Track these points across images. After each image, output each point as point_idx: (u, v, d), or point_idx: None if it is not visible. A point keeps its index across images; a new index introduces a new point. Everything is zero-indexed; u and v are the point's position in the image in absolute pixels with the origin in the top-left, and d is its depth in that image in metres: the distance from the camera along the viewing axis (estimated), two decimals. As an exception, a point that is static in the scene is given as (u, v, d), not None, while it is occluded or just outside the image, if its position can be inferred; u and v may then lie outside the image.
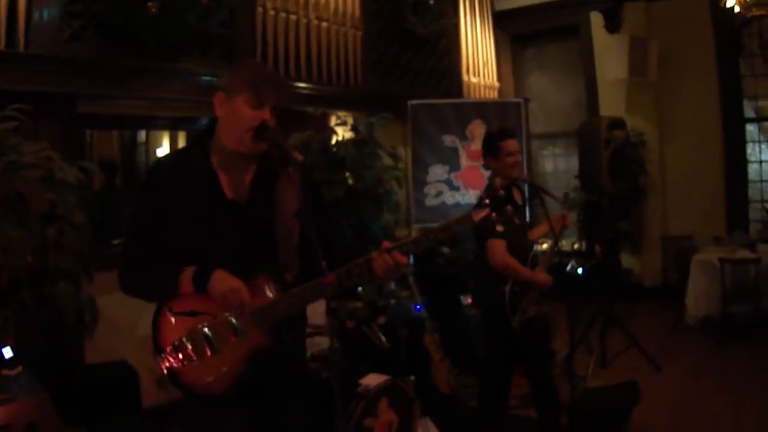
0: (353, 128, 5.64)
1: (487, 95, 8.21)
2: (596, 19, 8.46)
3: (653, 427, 4.39)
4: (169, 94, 4.83)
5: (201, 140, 2.23)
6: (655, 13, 8.18)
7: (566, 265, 6.25)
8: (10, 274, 3.04)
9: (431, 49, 7.50)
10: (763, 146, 8.02)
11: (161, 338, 2.11)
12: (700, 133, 8.03)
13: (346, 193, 5.21)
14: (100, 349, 4.08)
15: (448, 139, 6.96)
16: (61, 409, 2.93)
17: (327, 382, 3.66)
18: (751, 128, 8.04)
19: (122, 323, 4.27)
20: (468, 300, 5.56)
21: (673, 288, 7.25)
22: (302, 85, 5.72)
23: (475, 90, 8.02)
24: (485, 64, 8.28)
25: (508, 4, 8.89)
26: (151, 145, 6.58)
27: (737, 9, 6.03)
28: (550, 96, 9.31)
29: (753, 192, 8.01)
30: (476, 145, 6.99)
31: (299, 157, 2.07)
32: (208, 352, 2.06)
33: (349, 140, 5.52)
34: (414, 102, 6.84)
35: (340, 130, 5.73)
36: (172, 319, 2.10)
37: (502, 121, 7.02)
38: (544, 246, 4.26)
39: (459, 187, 6.99)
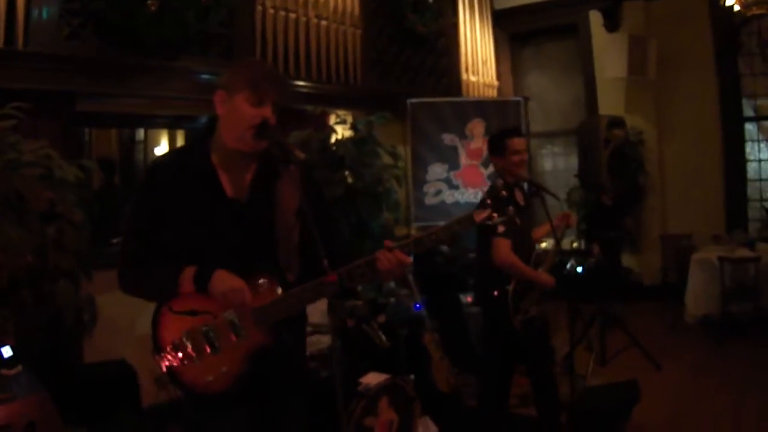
0: (353, 127, 5.64)
1: (486, 94, 8.21)
2: (595, 18, 8.45)
3: (653, 425, 4.38)
4: (169, 92, 4.83)
5: (201, 139, 2.22)
6: (655, 12, 8.18)
7: (566, 264, 6.24)
8: (10, 273, 3.03)
9: (430, 48, 7.50)
10: (762, 145, 8.03)
11: (161, 337, 2.10)
12: (699, 132, 8.03)
13: (346, 191, 5.21)
14: (99, 349, 4.08)
15: (448, 138, 6.96)
16: (60, 409, 2.92)
17: (327, 381, 3.67)
18: (750, 127, 8.05)
19: (121, 322, 4.26)
20: (468, 299, 5.56)
21: (673, 287, 7.26)
22: (302, 83, 5.71)
23: (474, 89, 8.02)
24: (484, 63, 8.28)
25: (507, 3, 8.88)
26: (150, 143, 6.57)
27: (737, 8, 6.03)
28: (549, 95, 9.31)
29: (752, 191, 8.02)
30: (476, 144, 7.00)
31: (301, 155, 2.06)
32: (208, 351, 2.05)
33: (349, 139, 5.51)
34: (413, 100, 6.84)
35: (339, 128, 5.73)
36: (172, 319, 2.09)
37: (501, 119, 7.02)
38: (543, 245, 4.25)
39: (458, 185, 6.99)
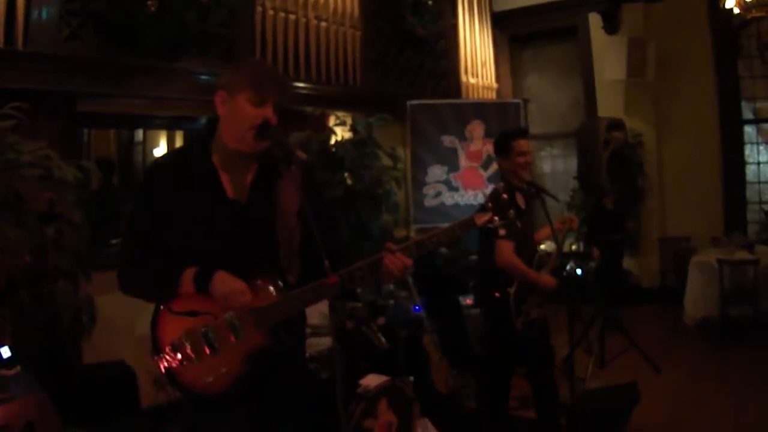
0: (352, 128, 5.63)
1: (485, 96, 8.21)
2: (595, 20, 8.45)
3: (652, 428, 4.39)
4: (168, 93, 4.82)
5: (201, 140, 2.21)
6: (654, 15, 8.18)
7: (565, 266, 6.24)
8: (8, 273, 3.03)
9: (430, 50, 7.50)
10: (761, 147, 8.04)
11: (160, 338, 2.09)
12: (699, 135, 8.03)
13: (345, 193, 5.21)
14: (98, 349, 4.06)
15: (447, 140, 6.96)
16: (59, 409, 2.91)
17: (326, 382, 3.67)
18: (749, 130, 8.06)
19: (120, 323, 4.25)
20: (467, 300, 5.56)
21: (672, 289, 7.26)
22: (301, 84, 5.71)
23: (473, 91, 8.02)
24: (483, 65, 8.28)
25: (506, 5, 8.88)
26: (149, 144, 6.56)
27: (737, 10, 6.04)
28: (548, 97, 9.31)
29: (751, 193, 8.02)
30: (475, 146, 7.00)
31: (302, 155, 2.06)
32: (208, 352, 2.04)
33: (348, 140, 5.52)
34: (413, 102, 6.84)
35: (339, 130, 5.73)
36: (172, 319, 2.08)
37: (501, 122, 7.03)
38: (542, 246, 4.26)
39: (458, 187, 6.99)
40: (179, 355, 2.05)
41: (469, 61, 8.01)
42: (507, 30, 9.16)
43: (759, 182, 8.01)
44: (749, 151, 8.06)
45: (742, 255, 6.44)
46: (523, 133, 3.89)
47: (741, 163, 8.02)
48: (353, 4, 6.29)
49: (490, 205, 2.07)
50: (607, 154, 5.83)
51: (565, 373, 4.61)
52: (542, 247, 4.30)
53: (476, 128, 7.02)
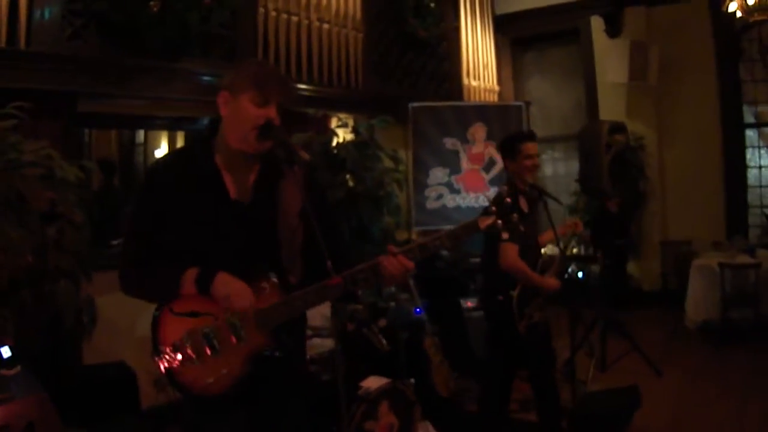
0: (354, 130, 5.63)
1: (487, 99, 8.21)
2: (597, 24, 8.46)
3: (654, 431, 4.38)
4: (170, 93, 4.82)
5: (204, 140, 2.20)
6: (656, 18, 8.18)
7: (567, 269, 6.23)
8: (10, 273, 3.02)
9: (432, 52, 7.50)
10: (763, 151, 8.03)
11: (161, 339, 2.08)
12: (700, 138, 8.03)
13: (347, 195, 5.20)
14: (98, 350, 4.06)
15: (449, 142, 6.96)
16: (59, 410, 2.91)
17: (327, 384, 3.66)
18: (750, 133, 8.05)
19: (121, 324, 4.25)
20: (468, 303, 5.55)
21: (673, 293, 7.25)
22: (303, 86, 5.71)
23: (475, 93, 8.02)
24: (485, 68, 8.28)
25: (508, 8, 8.89)
26: (150, 145, 6.57)
27: (739, 14, 6.04)
28: (550, 100, 9.31)
29: (752, 197, 8.02)
30: (477, 149, 7.00)
31: (305, 156, 2.05)
32: (208, 353, 2.04)
33: (350, 142, 5.51)
34: (415, 104, 6.84)
35: (340, 131, 5.72)
36: (173, 320, 2.07)
37: (503, 124, 7.03)
38: (543, 250, 4.25)
39: (459, 190, 6.98)
40: (180, 356, 2.04)
41: (471, 63, 8.02)
42: (509, 33, 9.17)
43: (760, 186, 8.01)
44: (751, 155, 8.06)
45: (744, 259, 6.43)
46: (531, 136, 3.88)
47: (742, 166, 8.01)
48: (355, 6, 6.29)
49: (493, 208, 2.07)
50: (608, 157, 5.82)
51: (567, 376, 4.60)
52: (543, 250, 4.29)
53: (478, 131, 7.02)
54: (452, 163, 6.98)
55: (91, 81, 4.29)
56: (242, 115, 2.05)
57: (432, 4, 7.20)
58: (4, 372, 2.95)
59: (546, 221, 3.94)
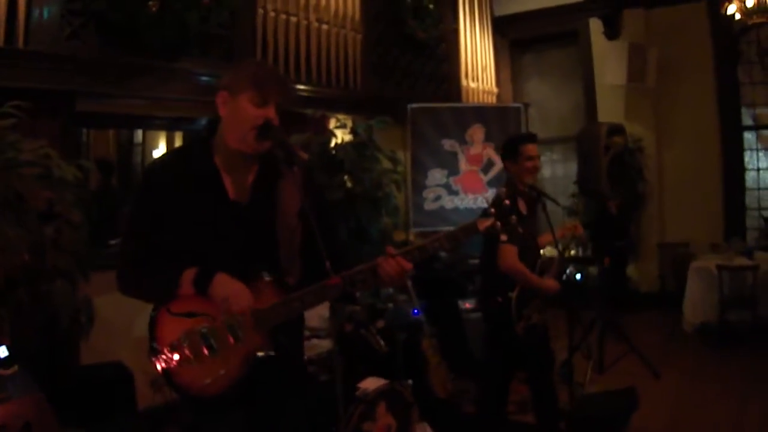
0: (352, 131, 5.62)
1: (485, 100, 8.21)
2: (595, 26, 8.46)
3: (651, 433, 4.38)
4: (169, 93, 4.82)
5: (202, 140, 2.20)
6: (655, 20, 8.19)
7: (565, 271, 6.23)
8: (7, 272, 3.02)
9: (430, 54, 7.50)
10: (761, 154, 8.04)
11: (158, 339, 2.07)
12: (698, 140, 8.04)
13: (345, 195, 5.20)
14: (95, 350, 4.05)
15: (448, 144, 6.96)
16: (56, 410, 2.90)
17: (325, 385, 3.65)
18: (748, 136, 8.06)
19: (118, 324, 4.24)
20: (466, 304, 5.55)
21: (671, 295, 7.25)
22: (302, 87, 5.71)
23: (473, 95, 8.02)
24: (484, 69, 8.28)
25: (507, 10, 8.89)
26: (148, 145, 6.56)
27: (738, 16, 6.05)
28: (548, 102, 9.31)
29: (750, 200, 8.03)
30: (475, 150, 6.99)
31: (304, 156, 2.05)
32: (206, 354, 2.03)
33: (349, 143, 5.51)
34: (414, 105, 6.84)
35: (339, 132, 5.71)
36: (170, 320, 2.07)
37: (501, 126, 7.03)
38: (541, 251, 4.25)
39: (458, 191, 6.98)
40: (177, 356, 2.04)
41: (470, 65, 8.01)
42: (508, 34, 9.17)
43: (758, 188, 8.02)
44: (749, 158, 8.07)
45: (741, 261, 6.44)
46: (532, 138, 3.88)
47: (740, 169, 8.02)
48: (354, 7, 6.29)
49: (492, 210, 2.07)
50: (607, 159, 5.83)
51: (564, 377, 4.60)
52: (543, 252, 4.29)
53: (477, 132, 7.02)
54: (450, 165, 6.98)
55: (90, 80, 4.28)
56: (241, 115, 2.05)
57: (431, 6, 7.19)
58: (1, 372, 2.95)
59: (545, 223, 3.93)
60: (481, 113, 7.24)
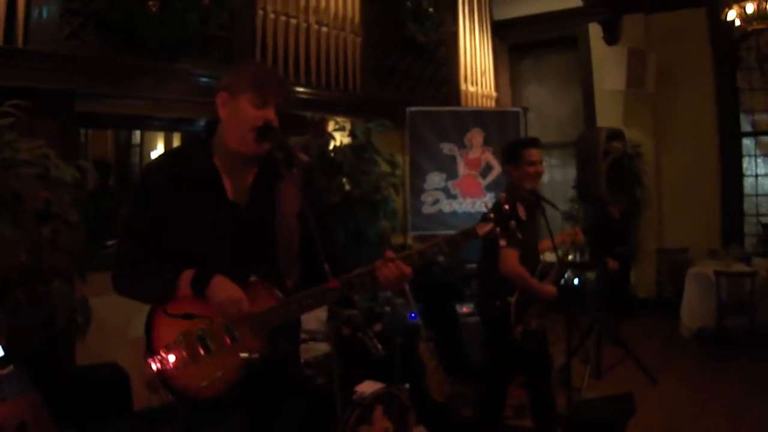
0: (351, 134, 5.62)
1: (484, 104, 8.21)
2: (595, 31, 8.48)
3: (649, 439, 4.38)
4: (168, 94, 4.81)
5: (201, 141, 2.18)
6: (654, 26, 8.21)
7: (563, 276, 6.22)
8: (3, 272, 3.01)
9: (430, 57, 7.50)
10: (759, 160, 8.06)
11: (154, 340, 2.06)
12: (697, 146, 8.06)
13: (343, 198, 5.18)
14: (91, 351, 4.04)
15: (447, 147, 6.94)
16: (51, 411, 2.89)
17: (322, 388, 3.64)
18: (747, 142, 8.08)
19: (114, 325, 4.22)
20: (464, 308, 5.54)
21: (668, 300, 7.26)
22: (301, 89, 5.70)
23: (472, 99, 8.02)
24: (483, 74, 8.28)
25: (507, 14, 8.90)
26: (146, 146, 6.55)
27: (738, 22, 6.05)
28: (547, 106, 9.32)
29: (748, 206, 8.05)
30: (474, 154, 6.99)
31: (304, 158, 2.04)
32: (203, 356, 2.02)
33: (347, 146, 5.49)
34: (413, 109, 6.83)
35: (338, 135, 5.70)
36: (167, 322, 2.06)
37: (500, 130, 7.02)
38: (543, 257, 4.25)
39: (456, 195, 6.97)
40: (174, 358, 2.03)
41: (469, 69, 8.02)
42: (507, 39, 9.19)
43: (756, 195, 8.03)
44: (747, 164, 8.09)
45: (739, 267, 6.45)
46: (534, 143, 3.87)
47: (739, 175, 8.04)
48: (354, 10, 6.29)
49: (492, 215, 2.06)
50: (606, 164, 5.82)
51: (562, 382, 4.59)
52: (543, 257, 4.29)
53: (475, 136, 7.01)
54: (449, 168, 6.97)
55: (89, 80, 4.27)
56: (241, 116, 2.04)
57: (431, 9, 7.20)
58: (-3, 372, 2.94)
59: (545, 228, 3.93)
60: (480, 117, 7.23)
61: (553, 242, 3.82)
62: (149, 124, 5.80)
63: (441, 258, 6.07)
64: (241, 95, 2.04)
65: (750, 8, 5.89)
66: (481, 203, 6.80)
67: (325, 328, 3.87)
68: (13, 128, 3.31)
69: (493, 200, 2.72)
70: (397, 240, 6.09)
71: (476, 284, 4.54)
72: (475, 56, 8.16)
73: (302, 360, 3.47)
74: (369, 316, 4.57)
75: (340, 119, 6.06)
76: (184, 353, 2.02)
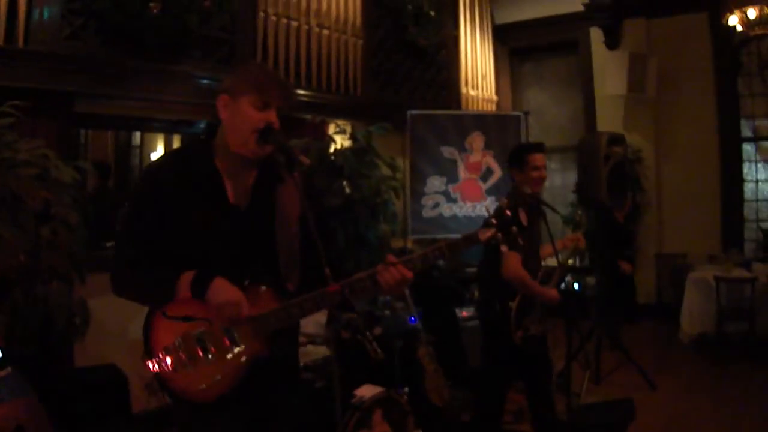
0: (352, 137, 5.61)
1: (485, 108, 8.21)
2: (596, 35, 8.49)
3: (648, 445, 4.36)
4: (168, 96, 4.80)
5: (202, 143, 2.17)
6: (655, 30, 8.21)
7: (563, 280, 6.21)
8: (2, 273, 3.00)
9: (431, 61, 7.49)
10: (760, 166, 8.05)
11: (153, 342, 2.05)
12: (697, 151, 8.05)
13: (343, 201, 5.17)
14: (90, 353, 4.03)
15: (447, 151, 6.94)
16: (49, 413, 2.88)
17: (321, 391, 3.63)
18: (748, 147, 8.07)
19: (113, 327, 4.21)
20: (464, 312, 5.53)
21: (668, 305, 7.24)
22: (302, 92, 5.70)
23: (473, 103, 8.02)
24: (484, 77, 8.28)
25: (507, 18, 8.91)
26: (146, 147, 6.56)
27: (740, 28, 6.05)
28: (547, 110, 9.32)
29: (749, 211, 8.04)
30: (475, 158, 6.98)
31: (306, 160, 2.03)
32: (201, 358, 2.01)
33: (348, 149, 5.48)
34: (413, 112, 6.82)
35: (338, 138, 5.70)
36: (166, 324, 2.04)
37: (501, 134, 7.02)
38: (545, 262, 4.24)
39: (456, 199, 6.96)
40: (172, 361, 2.01)
41: (470, 73, 8.02)
42: (508, 43, 9.20)
43: (757, 200, 8.02)
44: (747, 169, 8.08)
45: (739, 272, 6.44)
46: (539, 147, 3.86)
47: (739, 180, 8.03)
48: (355, 13, 6.29)
49: (493, 221, 2.06)
50: (607, 169, 5.81)
51: (561, 387, 4.58)
52: (545, 262, 4.28)
53: (476, 140, 7.00)
54: (450, 172, 6.96)
55: (89, 81, 4.27)
56: (242, 118, 2.03)
57: (432, 13, 7.19)
58: (-6, 373, 2.93)
59: (546, 232, 3.92)
60: (481, 121, 7.22)
61: (555, 248, 3.82)
62: (149, 126, 5.79)
63: (441, 262, 6.07)
64: (242, 97, 2.03)
65: (752, 14, 5.89)
66: (482, 207, 6.78)
67: (324, 331, 3.85)
68: (12, 128, 3.30)
69: (494, 204, 2.72)
70: (397, 243, 6.08)
71: (476, 288, 4.53)
72: (476, 60, 8.16)
73: (302, 363, 3.46)
74: (369, 319, 4.56)
75: (340, 122, 6.06)
76: (183, 356, 2.01)
